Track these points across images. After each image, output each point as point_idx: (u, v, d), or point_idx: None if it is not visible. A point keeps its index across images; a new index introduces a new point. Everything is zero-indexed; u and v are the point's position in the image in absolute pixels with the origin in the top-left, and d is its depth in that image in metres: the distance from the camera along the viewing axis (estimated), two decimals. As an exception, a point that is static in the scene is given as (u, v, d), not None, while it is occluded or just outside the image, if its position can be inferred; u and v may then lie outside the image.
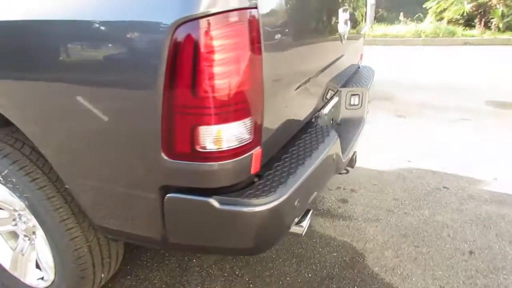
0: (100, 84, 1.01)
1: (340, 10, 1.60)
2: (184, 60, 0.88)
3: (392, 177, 2.81)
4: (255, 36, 0.93)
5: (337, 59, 1.72)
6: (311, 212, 1.30)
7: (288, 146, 1.31)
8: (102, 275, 1.55)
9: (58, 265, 1.43)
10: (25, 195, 1.32)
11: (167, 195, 1.06)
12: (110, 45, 0.97)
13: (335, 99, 1.91)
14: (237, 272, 1.89)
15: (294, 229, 1.27)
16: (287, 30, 1.08)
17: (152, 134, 0.98)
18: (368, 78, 2.24)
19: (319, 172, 1.27)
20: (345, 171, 1.99)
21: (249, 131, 1.00)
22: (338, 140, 1.45)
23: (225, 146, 0.97)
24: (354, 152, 1.91)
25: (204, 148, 0.97)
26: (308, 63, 1.30)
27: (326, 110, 1.75)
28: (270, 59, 1.02)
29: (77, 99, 1.03)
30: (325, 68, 1.53)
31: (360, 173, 2.84)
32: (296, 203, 1.13)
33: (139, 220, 1.18)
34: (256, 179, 1.12)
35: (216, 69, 0.89)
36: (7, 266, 1.62)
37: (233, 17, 0.89)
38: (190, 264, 1.94)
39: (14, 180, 1.32)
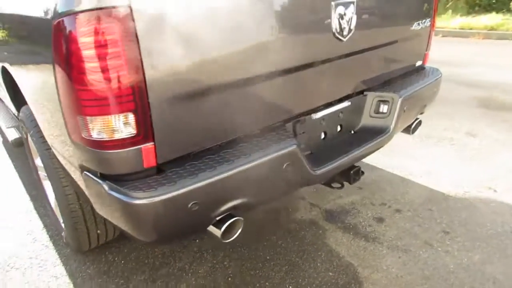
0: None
1: (333, 4, 1.39)
2: (60, 56, 0.97)
3: (459, 205, 2.30)
4: (129, 34, 0.95)
5: (332, 58, 1.50)
6: (235, 219, 1.24)
7: (226, 147, 1.26)
8: (99, 232, 1.81)
9: (60, 212, 1.76)
10: (40, 153, 1.67)
11: (83, 172, 1.19)
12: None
13: (345, 104, 1.69)
14: (225, 263, 1.93)
15: (213, 230, 1.24)
16: (178, 32, 1.03)
17: (62, 121, 1.13)
18: (417, 84, 1.89)
19: (243, 179, 1.19)
20: (338, 185, 1.77)
21: (131, 125, 1.03)
22: (295, 149, 1.31)
23: (107, 136, 1.04)
24: (355, 167, 1.68)
25: (90, 136, 1.05)
26: (237, 63, 1.18)
27: (320, 114, 1.58)
28: (159, 60, 1.01)
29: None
30: (294, 69, 1.37)
31: (420, 193, 2.43)
32: (190, 205, 1.10)
33: (79, 188, 1.35)
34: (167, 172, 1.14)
35: (88, 65, 0.95)
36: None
37: (105, 14, 0.93)
38: (192, 243, 2.07)
39: (34, 139, 1.68)
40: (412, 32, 1.89)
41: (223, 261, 1.95)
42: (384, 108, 1.77)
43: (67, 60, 0.96)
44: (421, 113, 2.24)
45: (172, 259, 1.96)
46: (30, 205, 2.47)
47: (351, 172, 1.67)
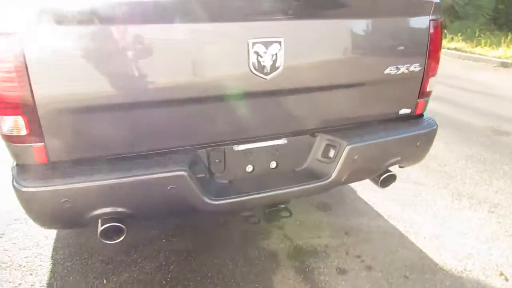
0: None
1: (250, 42, 1.40)
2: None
3: (447, 283, 1.96)
4: (19, 56, 1.18)
5: (253, 95, 1.50)
6: (112, 224, 1.38)
7: (117, 160, 1.40)
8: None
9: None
10: None
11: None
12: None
13: (280, 141, 1.65)
14: (172, 266, 2.07)
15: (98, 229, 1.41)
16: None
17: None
18: (384, 134, 1.70)
19: (116, 191, 1.33)
20: (256, 220, 1.70)
21: (24, 126, 1.27)
22: (182, 174, 1.37)
23: (7, 133, 1.30)
24: (279, 207, 1.63)
25: (2, 131, 1.33)
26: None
27: (243, 147, 1.58)
28: (44, 78, 1.22)
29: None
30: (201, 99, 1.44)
31: (408, 256, 2.17)
32: (62, 201, 1.29)
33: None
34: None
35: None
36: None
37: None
38: (159, 242, 2.26)
39: None
40: (388, 77, 1.71)
41: (171, 264, 2.08)
42: (332, 153, 1.66)
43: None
44: (401, 167, 1.99)
45: (133, 250, 2.18)
46: None
47: (266, 211, 1.63)
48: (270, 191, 1.56)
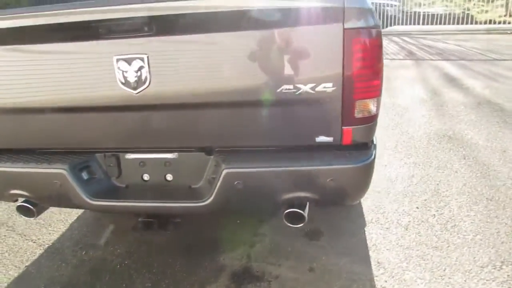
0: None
1: (115, 58, 1.44)
2: None
3: None
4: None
5: (126, 108, 1.54)
6: (22, 204, 1.71)
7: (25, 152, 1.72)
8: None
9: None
10: None
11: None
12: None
13: (169, 155, 1.62)
14: (114, 261, 2.30)
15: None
16: None
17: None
18: (284, 162, 1.47)
19: (14, 177, 1.67)
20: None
21: None
22: (61, 172, 1.58)
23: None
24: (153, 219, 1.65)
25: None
26: None
27: (133, 156, 1.65)
28: None
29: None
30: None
31: None
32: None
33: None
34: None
35: None
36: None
37: None
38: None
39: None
40: (285, 97, 1.40)
41: (111, 259, 2.28)
42: (215, 175, 1.53)
43: None
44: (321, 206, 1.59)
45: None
46: None
47: (139, 219, 1.64)
48: (143, 203, 1.59)
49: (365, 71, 1.41)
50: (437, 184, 2.85)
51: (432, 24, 13.17)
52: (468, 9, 14.01)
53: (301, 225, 1.55)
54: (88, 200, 1.62)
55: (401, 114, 4.56)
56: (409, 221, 2.41)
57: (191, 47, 1.44)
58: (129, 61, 1.45)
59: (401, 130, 4.02)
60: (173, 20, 1.41)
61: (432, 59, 8.02)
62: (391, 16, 13.58)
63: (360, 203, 2.65)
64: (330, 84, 1.40)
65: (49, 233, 2.53)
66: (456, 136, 3.75)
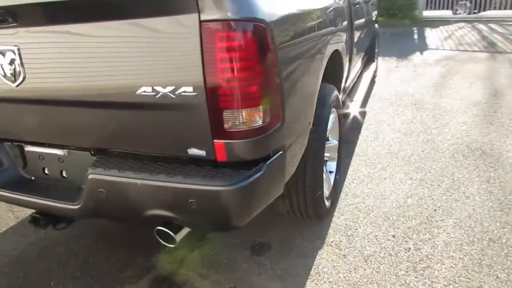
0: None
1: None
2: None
3: None
4: None
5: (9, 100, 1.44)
6: None
7: None
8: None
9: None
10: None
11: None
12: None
13: (59, 152, 1.51)
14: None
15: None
16: None
17: None
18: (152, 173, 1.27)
19: None
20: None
21: None
22: None
23: None
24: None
25: None
26: None
27: (30, 149, 1.57)
28: None
29: None
30: None
31: None
32: None
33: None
34: None
35: None
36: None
37: None
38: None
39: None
40: (146, 100, 1.17)
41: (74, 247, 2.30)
42: (89, 177, 1.40)
43: None
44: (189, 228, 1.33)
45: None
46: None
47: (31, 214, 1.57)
48: (24, 197, 1.52)
49: (234, 75, 1.12)
50: (435, 210, 2.36)
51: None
52: None
53: (172, 245, 1.36)
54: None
55: (438, 118, 3.91)
56: (374, 252, 2.03)
57: (52, 39, 1.29)
58: (3, 53, 1.37)
59: (426, 137, 3.44)
60: (39, 10, 1.27)
61: (515, 54, 6.80)
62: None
63: (332, 217, 2.32)
64: (190, 89, 1.15)
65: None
66: (492, 152, 3.09)
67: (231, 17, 1.10)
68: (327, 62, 1.98)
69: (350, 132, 3.65)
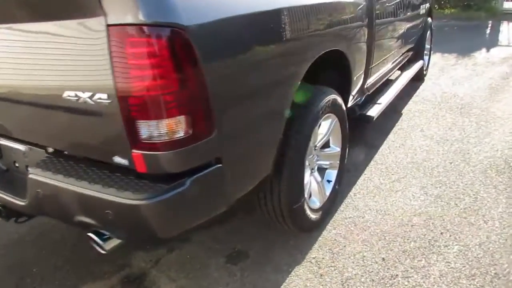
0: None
1: None
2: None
3: None
4: None
5: None
6: None
7: None
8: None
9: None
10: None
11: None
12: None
13: (20, 147, 1.55)
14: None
15: None
16: None
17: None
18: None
19: None
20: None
21: None
22: None
23: None
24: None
25: None
26: None
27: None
28: None
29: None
30: None
31: None
32: None
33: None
34: None
35: None
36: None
37: None
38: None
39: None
40: (71, 105, 1.14)
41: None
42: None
43: None
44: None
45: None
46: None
47: None
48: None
49: (146, 84, 1.05)
50: (441, 233, 2.08)
51: None
52: None
53: (103, 252, 1.34)
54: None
55: (482, 125, 3.46)
56: (355, 275, 1.84)
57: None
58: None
59: (460, 147, 3.05)
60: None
61: None
62: None
63: (322, 230, 2.16)
64: (104, 96, 1.10)
65: None
66: (536, 169, 2.64)
67: (142, 21, 1.02)
68: (322, 63, 1.82)
69: (376, 136, 3.37)
